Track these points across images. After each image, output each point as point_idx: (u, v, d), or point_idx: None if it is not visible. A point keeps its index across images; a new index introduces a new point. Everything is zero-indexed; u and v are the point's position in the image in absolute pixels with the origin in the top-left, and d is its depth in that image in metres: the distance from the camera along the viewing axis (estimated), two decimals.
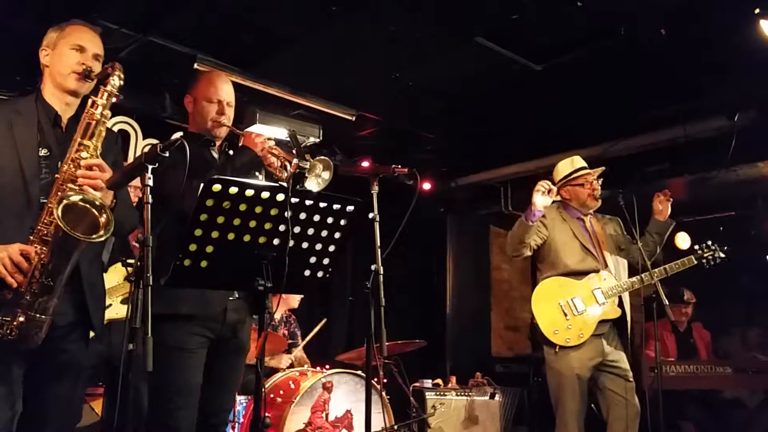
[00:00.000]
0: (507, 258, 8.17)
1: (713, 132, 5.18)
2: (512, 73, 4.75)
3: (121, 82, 2.43)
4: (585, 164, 4.12)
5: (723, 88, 4.81)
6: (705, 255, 4.02)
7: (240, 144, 2.82)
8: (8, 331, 2.16)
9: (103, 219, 2.21)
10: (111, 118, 2.44)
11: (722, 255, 4.04)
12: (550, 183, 3.78)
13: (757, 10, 3.80)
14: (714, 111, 5.09)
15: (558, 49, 4.45)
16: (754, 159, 5.50)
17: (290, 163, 2.60)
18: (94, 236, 2.19)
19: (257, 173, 2.84)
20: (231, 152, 2.88)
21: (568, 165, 4.12)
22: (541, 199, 3.73)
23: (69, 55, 2.45)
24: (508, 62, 4.60)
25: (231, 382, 2.82)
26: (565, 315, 3.82)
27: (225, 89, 2.88)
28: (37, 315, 2.19)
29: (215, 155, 2.86)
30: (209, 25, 4.28)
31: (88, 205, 2.21)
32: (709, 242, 4.06)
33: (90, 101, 2.39)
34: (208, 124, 2.82)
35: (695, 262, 4.02)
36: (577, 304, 3.84)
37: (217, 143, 2.87)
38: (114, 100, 2.40)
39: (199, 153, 2.72)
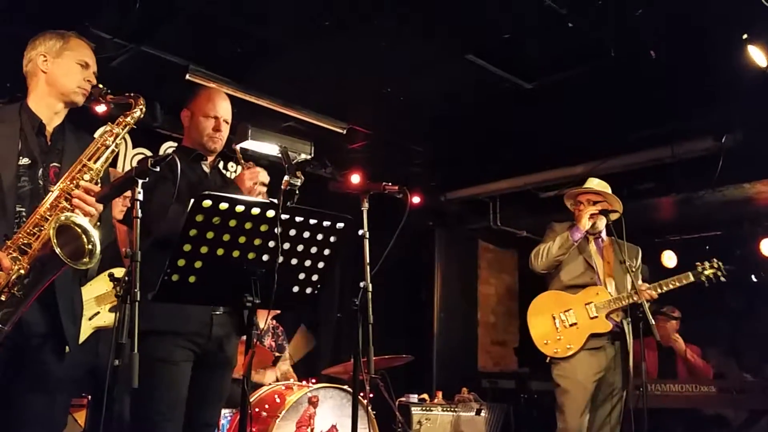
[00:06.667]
0: (495, 273, 8.23)
1: (700, 153, 5.25)
2: (503, 91, 4.79)
3: (142, 115, 2.45)
4: (604, 189, 4.15)
5: (711, 109, 4.87)
6: (707, 272, 4.04)
7: (233, 176, 2.85)
8: None
9: (89, 246, 2.19)
10: (100, 127, 2.45)
11: (724, 275, 4.07)
12: (599, 211, 3.98)
13: (745, 36, 3.88)
14: (701, 132, 5.16)
15: (549, 68, 4.51)
16: (740, 180, 5.58)
17: None
18: (79, 262, 2.17)
19: None
20: (224, 171, 2.90)
21: (591, 183, 4.21)
22: (588, 222, 3.96)
23: (76, 70, 2.46)
24: (498, 80, 4.64)
25: (217, 396, 2.80)
26: (557, 327, 3.96)
27: (223, 106, 2.91)
28: None
29: (206, 170, 2.88)
30: (202, 36, 4.28)
31: (79, 230, 2.19)
32: (715, 260, 4.07)
33: (108, 127, 2.40)
34: (204, 139, 2.84)
35: (692, 279, 4.04)
36: (569, 316, 3.96)
37: (210, 158, 2.90)
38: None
39: (190, 168, 2.76)
